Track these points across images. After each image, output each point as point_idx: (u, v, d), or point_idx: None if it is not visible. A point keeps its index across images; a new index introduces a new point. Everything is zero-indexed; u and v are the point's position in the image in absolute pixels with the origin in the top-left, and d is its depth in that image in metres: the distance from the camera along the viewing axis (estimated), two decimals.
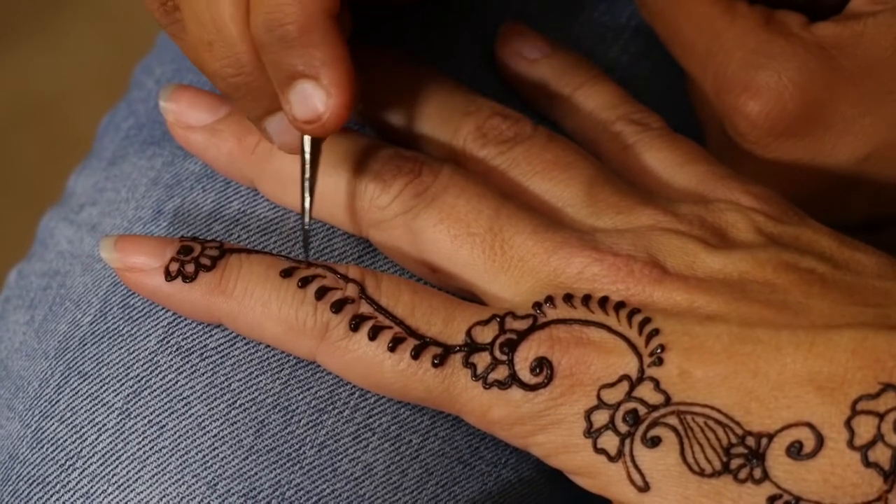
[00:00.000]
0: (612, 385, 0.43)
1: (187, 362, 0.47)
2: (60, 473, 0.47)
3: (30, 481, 0.47)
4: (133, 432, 0.46)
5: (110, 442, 0.46)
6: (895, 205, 0.51)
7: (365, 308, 0.45)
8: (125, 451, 0.46)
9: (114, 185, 0.52)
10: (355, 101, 0.43)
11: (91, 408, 0.47)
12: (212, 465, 0.46)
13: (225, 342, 0.47)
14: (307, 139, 0.45)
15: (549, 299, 0.44)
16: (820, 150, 0.50)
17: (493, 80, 0.53)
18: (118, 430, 0.46)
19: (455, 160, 0.48)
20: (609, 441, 0.43)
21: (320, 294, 0.45)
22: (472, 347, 0.44)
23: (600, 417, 0.43)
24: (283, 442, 0.46)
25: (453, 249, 0.46)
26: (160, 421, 0.46)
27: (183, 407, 0.46)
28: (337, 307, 0.45)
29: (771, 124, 0.49)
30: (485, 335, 0.44)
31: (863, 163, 0.50)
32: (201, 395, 0.47)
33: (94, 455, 0.46)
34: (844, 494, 0.41)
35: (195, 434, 0.46)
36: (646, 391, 0.43)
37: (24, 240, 0.63)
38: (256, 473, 0.46)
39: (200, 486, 0.46)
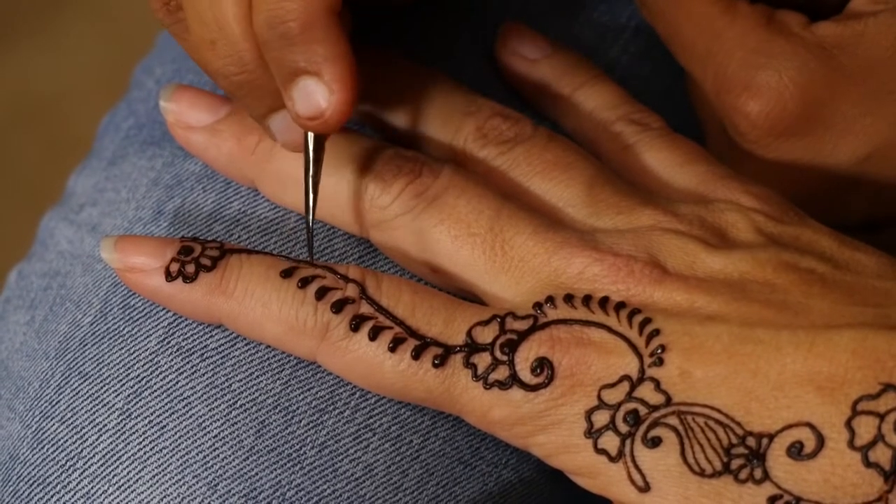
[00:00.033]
0: (612, 385, 0.43)
1: (188, 363, 0.47)
2: (61, 474, 0.47)
3: (30, 482, 0.47)
4: (133, 433, 0.46)
5: (111, 442, 0.46)
6: (895, 205, 0.51)
7: (365, 308, 0.45)
8: (126, 452, 0.46)
9: (114, 185, 0.52)
10: (357, 99, 0.43)
11: (91, 408, 0.47)
12: (212, 466, 0.46)
13: (225, 343, 0.47)
14: (310, 136, 0.45)
15: (550, 299, 0.44)
16: (820, 150, 0.50)
17: (494, 80, 0.53)
18: (119, 430, 0.46)
19: (455, 160, 0.48)
20: (609, 441, 0.43)
21: (320, 294, 0.45)
22: (472, 348, 0.44)
23: (601, 418, 0.43)
24: (283, 442, 0.46)
25: (454, 250, 0.46)
26: (161, 421, 0.46)
27: (183, 407, 0.46)
28: (337, 307, 0.45)
29: (771, 124, 0.49)
30: (485, 335, 0.44)
31: (863, 163, 0.50)
32: (202, 395, 0.47)
33: (94, 455, 0.46)
34: (845, 495, 0.41)
35: (196, 434, 0.46)
36: (646, 391, 0.43)
37: (24, 240, 0.63)
38: (257, 474, 0.46)
39: (201, 487, 0.46)
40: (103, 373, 0.47)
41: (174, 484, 0.46)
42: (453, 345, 0.44)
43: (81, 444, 0.47)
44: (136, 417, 0.46)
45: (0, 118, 1.28)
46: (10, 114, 1.28)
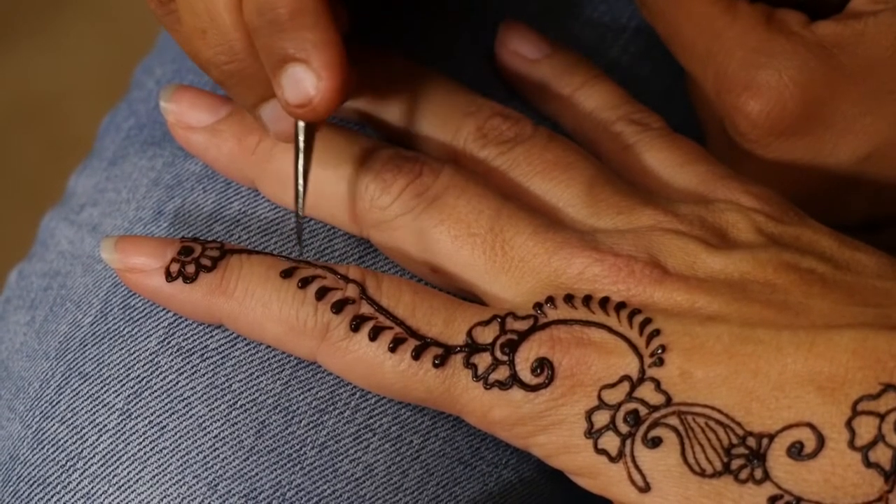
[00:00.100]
0: (612, 385, 0.43)
1: (188, 363, 0.47)
2: (61, 474, 0.47)
3: (30, 482, 0.47)
4: (134, 433, 0.46)
5: (111, 443, 0.46)
6: (895, 205, 0.51)
7: (365, 308, 0.45)
8: (126, 452, 0.46)
9: (114, 185, 0.52)
10: (348, 87, 0.43)
11: (92, 409, 0.47)
12: (212, 466, 0.46)
13: (226, 343, 0.47)
14: (301, 125, 0.45)
15: (550, 300, 0.44)
16: (820, 150, 0.50)
17: (493, 80, 0.53)
18: (119, 430, 0.46)
19: (455, 161, 0.48)
20: (610, 441, 0.43)
21: (321, 294, 0.45)
22: (472, 348, 0.44)
23: (601, 418, 0.43)
24: (283, 443, 0.46)
25: (454, 250, 0.46)
26: (161, 422, 0.46)
27: (184, 408, 0.46)
28: (337, 308, 0.45)
29: (771, 123, 0.49)
30: (486, 336, 0.44)
31: (863, 162, 0.50)
32: (202, 395, 0.47)
33: (94, 456, 0.46)
34: (845, 495, 0.41)
35: (196, 435, 0.46)
36: (647, 392, 0.43)
37: (24, 240, 0.63)
38: (257, 474, 0.46)
39: (201, 487, 0.46)
40: (103, 373, 0.47)
41: (174, 484, 0.46)
42: (453, 345, 0.44)
43: (81, 444, 0.47)
44: (137, 418, 0.46)
45: (0, 118, 1.28)
46: (10, 114, 1.28)
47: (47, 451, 0.47)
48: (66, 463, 0.47)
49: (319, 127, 0.46)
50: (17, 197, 1.25)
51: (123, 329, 0.48)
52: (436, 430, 0.48)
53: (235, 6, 0.43)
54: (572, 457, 0.44)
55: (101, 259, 0.48)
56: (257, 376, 0.47)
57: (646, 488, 0.43)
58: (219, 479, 0.46)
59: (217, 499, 0.45)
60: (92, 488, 0.46)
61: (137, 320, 0.48)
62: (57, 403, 0.48)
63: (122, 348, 0.48)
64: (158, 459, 0.46)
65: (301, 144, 0.45)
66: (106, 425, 0.47)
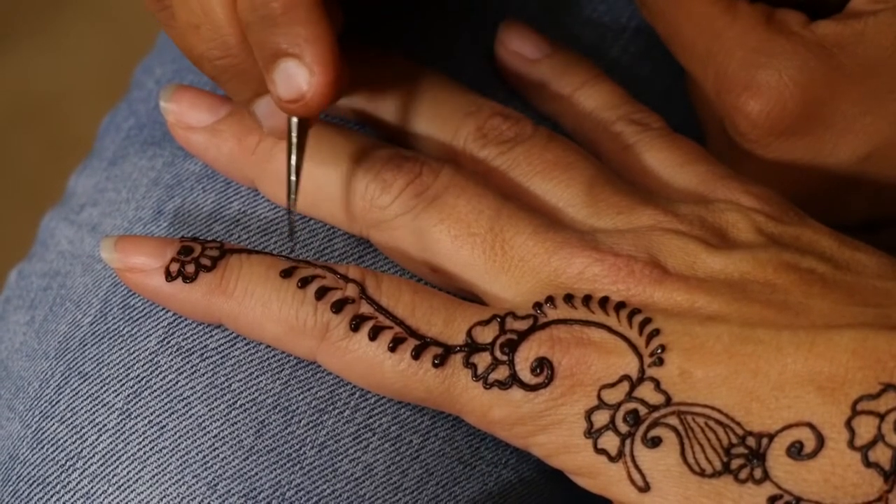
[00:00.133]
0: (612, 385, 0.43)
1: (188, 363, 0.47)
2: (61, 474, 0.47)
3: (30, 482, 0.47)
4: (133, 433, 0.46)
5: (110, 442, 0.46)
6: (895, 205, 0.51)
7: (365, 308, 0.45)
8: (125, 452, 0.46)
9: (114, 185, 0.52)
10: (341, 84, 0.43)
11: (91, 408, 0.47)
12: (212, 466, 0.46)
13: (225, 343, 0.47)
14: (294, 121, 0.45)
15: (550, 299, 0.44)
16: (820, 150, 0.50)
17: (493, 80, 0.53)
18: (118, 430, 0.46)
19: (455, 160, 0.48)
20: (609, 441, 0.43)
21: (320, 294, 0.45)
22: (472, 348, 0.44)
23: (601, 418, 0.43)
24: (283, 442, 0.46)
25: (454, 250, 0.46)
26: (160, 421, 0.46)
27: (183, 407, 0.46)
28: (337, 307, 0.45)
29: (771, 123, 0.49)
30: (485, 335, 0.44)
31: (863, 162, 0.50)
32: (202, 395, 0.47)
33: (94, 455, 0.46)
34: (845, 494, 0.41)
35: (195, 434, 0.46)
36: (646, 391, 0.43)
37: (24, 240, 0.63)
38: (257, 474, 0.46)
39: (201, 487, 0.46)
40: (103, 373, 0.47)
41: (174, 484, 0.46)
42: (453, 344, 0.44)
43: (81, 443, 0.47)
44: (136, 417, 0.46)
45: (0, 118, 1.28)
46: (10, 114, 1.28)
47: (47, 450, 0.47)
48: (66, 462, 0.47)
49: (312, 123, 0.46)
50: (17, 197, 1.25)
51: (123, 329, 0.48)
52: (435, 429, 0.48)
53: (229, 1, 0.43)
54: (572, 456, 0.44)
55: (101, 259, 0.48)
56: (257, 376, 0.47)
57: (645, 488, 0.43)
58: (218, 478, 0.46)
59: (217, 498, 0.45)
60: (92, 488, 0.46)
61: (137, 320, 0.48)
62: (57, 403, 0.48)
63: (122, 348, 0.48)
64: (158, 459, 0.46)
65: (294, 140, 0.45)
66: (105, 425, 0.47)
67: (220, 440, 0.46)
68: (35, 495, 0.47)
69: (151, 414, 0.46)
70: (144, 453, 0.46)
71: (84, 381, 0.48)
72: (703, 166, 0.48)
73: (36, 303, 0.52)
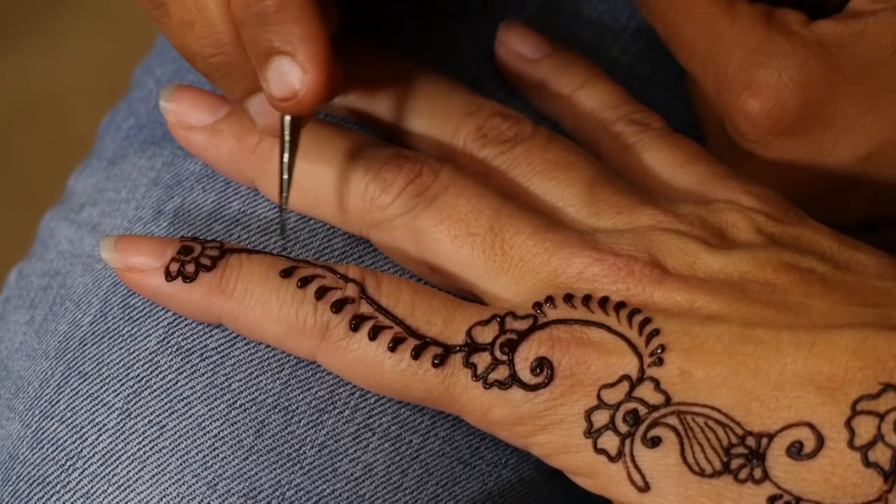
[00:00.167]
0: (612, 385, 0.43)
1: (187, 362, 0.47)
2: (61, 473, 0.47)
3: (30, 481, 0.47)
4: (133, 432, 0.46)
5: (110, 442, 0.46)
6: (895, 205, 0.51)
7: (365, 308, 0.45)
8: (125, 452, 0.46)
9: (114, 185, 0.52)
10: (334, 82, 0.43)
11: (91, 408, 0.47)
12: (212, 466, 0.46)
13: (225, 342, 0.47)
14: (286, 120, 0.45)
15: (550, 299, 0.44)
16: (820, 149, 0.50)
17: (493, 80, 0.53)
18: (118, 430, 0.46)
19: (455, 160, 0.48)
20: (609, 441, 0.43)
21: (320, 294, 0.45)
22: (472, 347, 0.44)
23: (600, 417, 0.43)
24: (283, 442, 0.46)
25: (454, 249, 0.46)
26: (160, 421, 0.46)
27: (183, 407, 0.46)
28: (337, 307, 0.45)
29: (772, 123, 0.49)
30: (485, 335, 0.44)
31: (863, 162, 0.50)
32: (201, 395, 0.47)
33: (94, 455, 0.46)
34: (845, 494, 0.41)
35: (195, 434, 0.46)
36: (646, 391, 0.43)
37: (24, 240, 0.63)
38: (257, 473, 0.46)
39: (201, 487, 0.46)
40: (103, 372, 0.47)
41: (174, 483, 0.46)
42: (453, 344, 0.44)
43: (81, 443, 0.47)
44: (136, 417, 0.46)
45: (0, 118, 1.28)
46: (10, 114, 1.28)
47: (47, 450, 0.47)
48: (66, 462, 0.47)
49: (305, 122, 0.46)
50: (17, 197, 1.25)
51: (123, 328, 0.48)
52: (435, 429, 0.48)
53: None
54: (572, 456, 0.43)
55: (101, 258, 0.48)
56: (257, 376, 0.47)
57: (645, 488, 0.43)
58: (218, 478, 0.46)
59: (216, 498, 0.45)
60: (91, 487, 0.46)
61: (137, 320, 0.48)
62: (56, 403, 0.48)
63: (122, 347, 0.48)
64: (158, 459, 0.46)
65: (287, 138, 0.45)
66: (105, 424, 0.47)
67: (220, 440, 0.46)
68: (35, 495, 0.47)
69: (151, 414, 0.46)
70: (144, 453, 0.46)
71: (84, 380, 0.48)
72: (703, 166, 0.48)
73: (36, 302, 0.52)
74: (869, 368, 0.41)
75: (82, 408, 0.47)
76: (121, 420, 0.47)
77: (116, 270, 0.47)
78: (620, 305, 0.44)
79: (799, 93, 0.49)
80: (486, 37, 0.53)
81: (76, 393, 0.47)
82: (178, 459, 0.46)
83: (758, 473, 0.42)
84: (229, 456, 0.46)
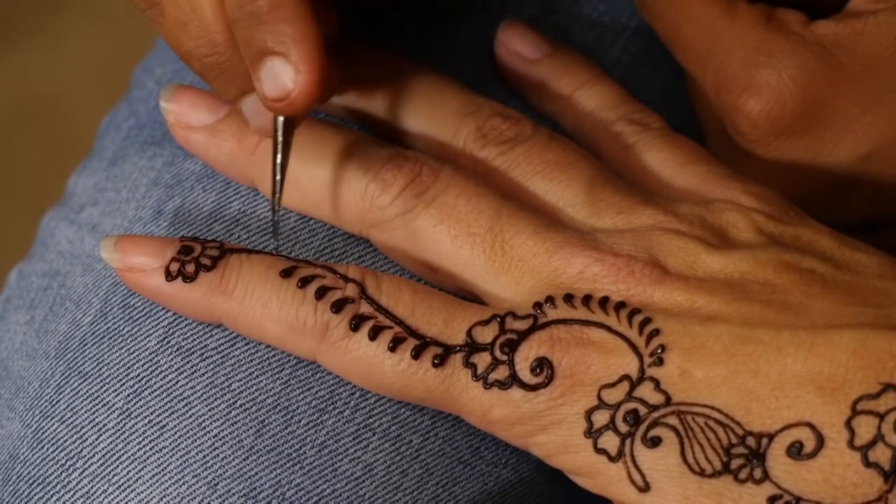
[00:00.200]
0: (612, 385, 0.43)
1: (188, 362, 0.47)
2: (61, 473, 0.47)
3: (30, 481, 0.47)
4: (133, 432, 0.46)
5: (111, 442, 0.46)
6: (895, 205, 0.51)
7: (365, 308, 0.45)
8: (125, 452, 0.46)
9: (114, 185, 0.52)
10: (327, 83, 0.43)
11: (91, 408, 0.47)
12: (212, 466, 0.46)
13: (225, 342, 0.47)
14: (279, 120, 0.45)
15: (550, 299, 0.44)
16: (820, 149, 0.50)
17: (493, 80, 0.53)
18: (118, 430, 0.46)
19: (455, 161, 0.48)
20: (609, 441, 0.43)
21: (320, 294, 0.45)
22: (472, 347, 0.44)
23: (601, 417, 0.43)
24: (283, 442, 0.46)
25: (454, 249, 0.46)
26: (160, 421, 0.46)
27: (183, 407, 0.46)
28: (337, 307, 0.45)
29: (772, 123, 0.49)
30: (485, 335, 0.44)
31: (863, 162, 0.50)
32: (202, 395, 0.47)
33: (94, 455, 0.46)
34: (845, 494, 0.41)
35: (195, 434, 0.46)
36: (646, 391, 0.43)
37: (24, 240, 0.63)
38: (257, 473, 0.46)
39: (201, 487, 0.46)
40: (103, 372, 0.47)
41: (174, 483, 0.46)
42: (453, 344, 0.44)
43: (81, 443, 0.47)
44: (136, 417, 0.46)
45: (0, 118, 1.28)
46: (10, 114, 1.28)
47: (47, 450, 0.47)
48: (66, 462, 0.47)
49: (299, 122, 0.46)
50: (17, 197, 1.25)
51: (123, 328, 0.48)
52: (435, 429, 0.48)
53: None
54: (572, 456, 0.43)
55: (101, 258, 0.48)
56: (257, 376, 0.47)
57: (645, 488, 0.43)
58: (218, 478, 0.46)
59: (217, 498, 0.45)
60: (92, 487, 0.46)
61: (137, 320, 0.48)
62: (57, 403, 0.48)
63: (122, 348, 0.48)
64: (158, 459, 0.46)
65: (279, 139, 0.45)
66: (106, 424, 0.47)
67: (221, 440, 0.46)
68: (35, 495, 0.47)
69: (151, 414, 0.46)
70: (144, 453, 0.46)
71: (84, 380, 0.48)
72: (703, 166, 0.48)
73: (36, 302, 0.52)
74: (869, 368, 0.41)
75: (82, 408, 0.47)
76: (121, 420, 0.47)
77: (116, 270, 0.47)
78: (620, 305, 0.44)
79: (799, 93, 0.49)
80: (486, 37, 0.53)
81: (76, 393, 0.47)
82: (178, 459, 0.46)
83: (758, 473, 0.42)
84: (229, 456, 0.46)
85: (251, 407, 0.47)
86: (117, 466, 0.46)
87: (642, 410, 0.43)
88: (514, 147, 0.48)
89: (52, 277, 0.52)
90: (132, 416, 0.46)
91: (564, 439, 0.43)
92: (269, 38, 0.43)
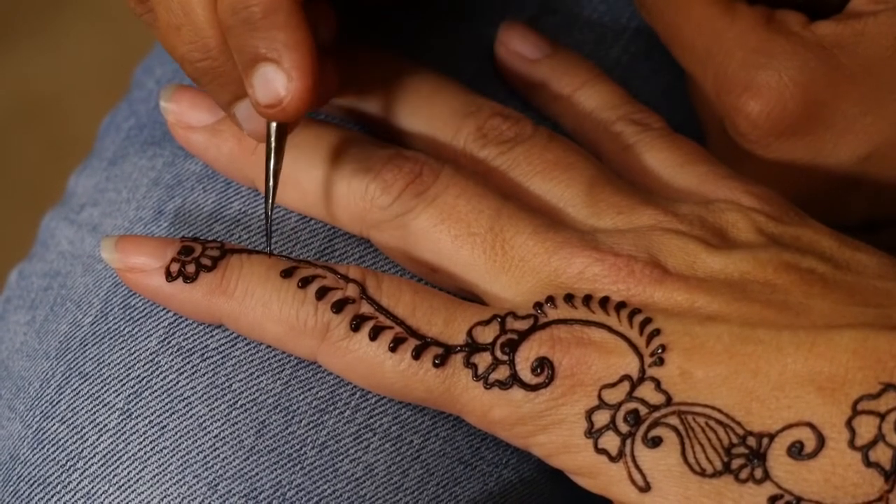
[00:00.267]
0: (613, 385, 0.43)
1: (188, 363, 0.47)
2: (61, 474, 0.47)
3: (31, 482, 0.47)
4: (134, 433, 0.46)
5: (111, 442, 0.46)
6: (895, 205, 0.51)
7: (366, 308, 0.45)
8: (126, 452, 0.46)
9: (115, 185, 0.52)
10: (319, 90, 0.43)
11: (92, 408, 0.47)
12: (213, 466, 0.46)
13: (226, 343, 0.47)
14: (272, 126, 0.45)
15: (550, 299, 0.44)
16: (821, 150, 0.50)
17: (493, 80, 0.53)
18: (119, 430, 0.46)
19: (456, 161, 0.48)
20: (610, 441, 0.43)
21: (321, 294, 0.45)
22: (473, 347, 0.44)
23: (601, 417, 0.43)
24: (284, 442, 0.46)
25: (454, 249, 0.46)
26: (161, 421, 0.46)
27: (184, 407, 0.46)
28: (338, 307, 0.45)
29: (772, 124, 0.49)
30: (486, 335, 0.44)
31: (864, 162, 0.50)
32: (202, 395, 0.47)
33: (94, 455, 0.46)
34: (845, 494, 0.41)
35: (196, 434, 0.46)
36: (647, 391, 0.43)
37: (24, 240, 0.63)
38: (257, 474, 0.46)
39: (201, 487, 0.46)
40: (104, 373, 0.47)
41: (174, 484, 0.46)
42: (454, 344, 0.44)
43: (82, 444, 0.47)
44: (137, 417, 0.46)
45: (0, 118, 1.28)
46: (10, 114, 1.28)
47: (47, 450, 0.47)
48: (67, 463, 0.47)
49: (292, 128, 0.46)
50: (17, 197, 1.25)
51: (124, 329, 0.48)
52: (436, 429, 0.48)
53: (209, 3, 0.43)
54: (572, 456, 0.44)
55: (102, 259, 0.48)
56: (257, 376, 0.47)
57: (646, 488, 0.43)
58: (219, 478, 0.46)
59: (217, 498, 0.45)
60: (92, 488, 0.46)
61: (138, 320, 0.48)
62: (57, 403, 0.48)
63: (123, 348, 0.48)
64: (159, 459, 0.46)
65: (272, 144, 0.45)
66: (106, 425, 0.47)
67: (221, 440, 0.46)
68: (35, 495, 0.47)
69: (152, 414, 0.46)
70: (145, 453, 0.46)
71: (85, 381, 0.48)
72: (703, 166, 0.48)
73: (36, 303, 0.52)
74: (869, 368, 0.41)
75: (83, 408, 0.47)
76: (121, 420, 0.47)
77: (117, 271, 0.47)
78: (621, 305, 0.44)
79: (799, 93, 0.49)
80: (486, 37, 0.53)
81: (77, 393, 0.47)
82: (178, 460, 0.46)
83: (758, 473, 0.42)
84: (230, 456, 0.46)
85: (252, 407, 0.47)
86: (118, 467, 0.46)
87: (643, 410, 0.43)
88: (515, 147, 0.48)
89: (53, 278, 0.52)
90: (133, 416, 0.46)
91: (565, 439, 0.43)
92: (262, 44, 0.43)
